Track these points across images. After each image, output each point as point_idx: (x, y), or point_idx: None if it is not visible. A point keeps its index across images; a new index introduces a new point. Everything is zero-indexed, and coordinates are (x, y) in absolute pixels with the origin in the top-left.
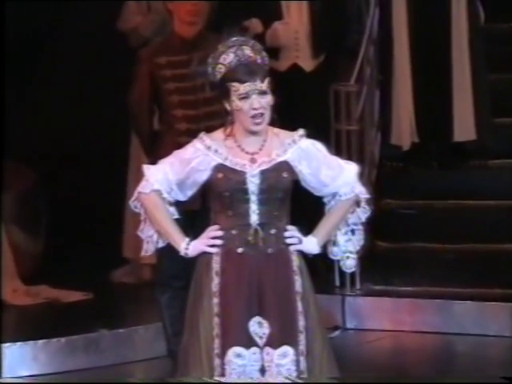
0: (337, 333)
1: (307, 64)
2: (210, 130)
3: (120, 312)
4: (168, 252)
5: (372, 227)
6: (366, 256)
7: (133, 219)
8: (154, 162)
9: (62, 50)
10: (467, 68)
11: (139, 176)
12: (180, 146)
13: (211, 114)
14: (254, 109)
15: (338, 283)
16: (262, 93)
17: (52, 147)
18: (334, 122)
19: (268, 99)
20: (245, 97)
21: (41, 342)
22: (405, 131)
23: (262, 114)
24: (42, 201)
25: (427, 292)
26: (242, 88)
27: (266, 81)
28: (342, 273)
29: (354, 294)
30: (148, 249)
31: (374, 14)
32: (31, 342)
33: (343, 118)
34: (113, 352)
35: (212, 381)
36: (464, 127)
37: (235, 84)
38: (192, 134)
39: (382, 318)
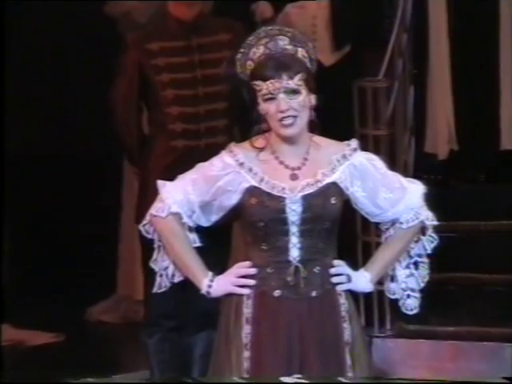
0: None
1: (326, 57)
2: (211, 131)
3: (98, 358)
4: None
5: None
6: None
7: (125, 245)
8: (143, 172)
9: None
10: None
11: (135, 192)
12: (175, 151)
13: (214, 112)
14: (281, 111)
15: (363, 322)
16: (292, 92)
17: (21, 152)
18: (358, 125)
19: (300, 99)
20: (270, 97)
21: None
22: (441, 137)
23: (294, 117)
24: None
25: (472, 333)
26: (265, 87)
27: (297, 77)
28: (368, 309)
29: (384, 336)
30: (162, 284)
31: None
32: None
33: (370, 120)
34: None
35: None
36: None
37: (258, 82)
38: (190, 137)
39: (417, 364)
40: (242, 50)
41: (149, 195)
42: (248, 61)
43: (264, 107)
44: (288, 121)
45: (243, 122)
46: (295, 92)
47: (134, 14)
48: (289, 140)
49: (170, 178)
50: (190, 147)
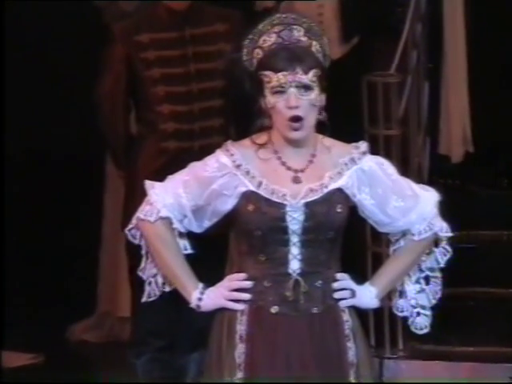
0: None
1: (334, 49)
2: (206, 132)
3: (80, 381)
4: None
5: None
6: None
7: (107, 257)
8: (130, 176)
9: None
10: None
11: (119, 199)
12: (166, 153)
13: (209, 110)
14: (291, 107)
15: (373, 342)
16: (304, 87)
17: None
18: (368, 124)
19: (312, 96)
20: (279, 91)
21: None
22: (455, 137)
23: (301, 119)
24: None
25: (492, 353)
26: (276, 79)
27: (312, 72)
28: (378, 327)
29: (396, 357)
30: (151, 293)
31: None
32: None
33: (380, 118)
34: None
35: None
36: None
37: (268, 73)
38: (182, 138)
39: None
40: (250, 37)
41: (136, 202)
42: (256, 49)
43: (271, 100)
44: (296, 124)
45: (240, 120)
46: (307, 88)
47: (120, 1)
48: (294, 141)
49: (161, 182)
50: (183, 149)
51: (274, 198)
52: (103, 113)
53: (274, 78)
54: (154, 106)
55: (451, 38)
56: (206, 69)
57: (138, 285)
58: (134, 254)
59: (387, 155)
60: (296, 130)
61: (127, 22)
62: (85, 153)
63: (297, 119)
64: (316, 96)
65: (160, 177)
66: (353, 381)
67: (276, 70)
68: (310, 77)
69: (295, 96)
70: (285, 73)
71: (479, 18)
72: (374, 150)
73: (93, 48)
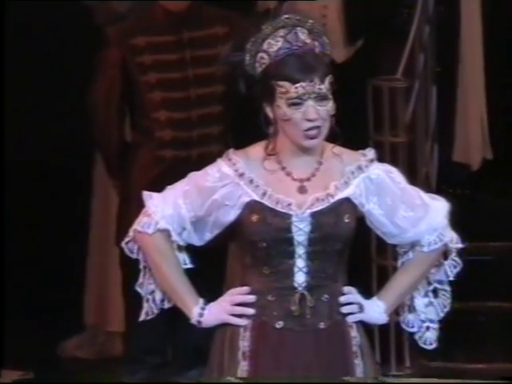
0: None
1: (339, 52)
2: (205, 139)
3: None
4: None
5: None
6: None
7: (95, 269)
8: (125, 186)
9: None
10: None
11: (108, 209)
12: (162, 162)
13: (207, 117)
14: (309, 120)
15: (378, 359)
16: (322, 98)
17: None
18: (373, 130)
19: (328, 107)
20: (297, 102)
21: None
22: (474, 144)
23: (318, 127)
24: None
25: (505, 371)
26: (294, 90)
27: (327, 80)
28: (384, 343)
29: (402, 374)
30: (149, 310)
31: None
32: None
33: (386, 125)
34: None
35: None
36: None
37: (284, 84)
38: (180, 146)
39: None
40: (253, 39)
41: (131, 213)
42: (260, 53)
43: (288, 113)
44: (313, 132)
45: (239, 127)
46: (324, 98)
47: (113, 1)
48: (304, 150)
49: (157, 192)
50: (180, 158)
51: (279, 208)
52: (97, 119)
53: (291, 90)
54: (150, 112)
55: (468, 40)
56: (204, 74)
57: (132, 300)
58: (129, 267)
59: (393, 164)
60: (312, 138)
61: (122, 25)
62: (71, 160)
63: (315, 128)
64: (332, 105)
65: (156, 187)
66: None
67: (293, 81)
68: (326, 86)
69: (314, 108)
70: (303, 84)
71: (497, 19)
72: (379, 159)
73: (84, 51)
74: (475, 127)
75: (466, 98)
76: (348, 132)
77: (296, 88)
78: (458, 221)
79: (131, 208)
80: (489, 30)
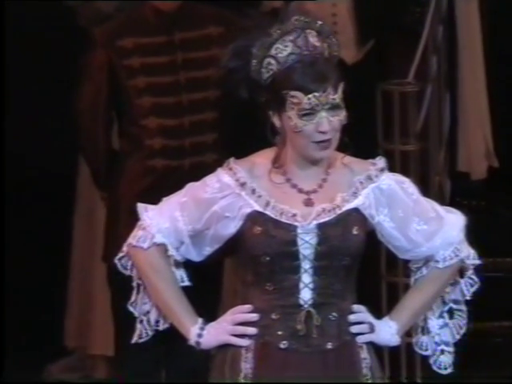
0: None
1: (349, 54)
2: (198, 148)
3: None
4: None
5: None
6: None
7: (77, 289)
8: (113, 197)
9: None
10: None
11: (91, 222)
12: (153, 172)
13: (201, 124)
14: (322, 132)
15: (387, 373)
16: (335, 108)
17: None
18: (382, 138)
19: (341, 116)
20: (309, 113)
21: None
22: (476, 152)
23: (329, 139)
24: None
25: None
26: (307, 101)
27: (340, 89)
28: (394, 365)
29: None
30: (143, 332)
31: None
32: None
33: (396, 132)
34: None
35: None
36: None
37: (296, 94)
38: (171, 155)
39: None
40: (260, 43)
41: (120, 227)
42: (268, 58)
43: (299, 124)
44: (324, 143)
45: (235, 135)
46: (337, 108)
47: (98, 2)
48: (312, 161)
49: (147, 204)
50: (172, 168)
51: (284, 219)
52: (82, 127)
53: (303, 101)
54: (139, 119)
55: (467, 44)
56: (197, 77)
57: (122, 320)
58: (119, 285)
59: (404, 173)
60: (324, 149)
61: (108, 25)
62: (53, 170)
63: (327, 140)
64: (344, 114)
65: (146, 199)
66: None
67: (305, 91)
68: (339, 95)
69: (327, 120)
70: (316, 94)
71: (496, 22)
72: (388, 168)
73: (69, 54)
74: (477, 134)
75: (466, 104)
76: (356, 139)
77: (309, 99)
78: (473, 235)
79: (120, 222)
80: (488, 35)
